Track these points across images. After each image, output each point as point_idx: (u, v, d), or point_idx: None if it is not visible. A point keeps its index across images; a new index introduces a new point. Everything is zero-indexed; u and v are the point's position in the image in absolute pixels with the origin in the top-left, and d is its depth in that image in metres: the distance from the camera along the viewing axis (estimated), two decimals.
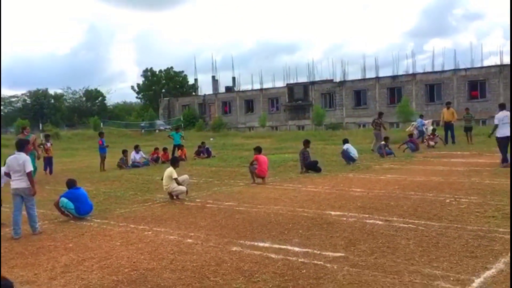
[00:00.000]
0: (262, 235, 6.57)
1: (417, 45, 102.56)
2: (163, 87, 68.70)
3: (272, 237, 6.44)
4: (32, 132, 18.30)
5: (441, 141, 20.50)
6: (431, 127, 21.54)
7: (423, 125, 21.75)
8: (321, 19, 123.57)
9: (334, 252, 5.61)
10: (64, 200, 8.29)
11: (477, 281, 4.49)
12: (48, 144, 16.79)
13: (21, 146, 7.56)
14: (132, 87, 73.56)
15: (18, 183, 7.25)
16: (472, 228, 6.37)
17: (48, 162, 16.42)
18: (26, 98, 78.78)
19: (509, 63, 36.62)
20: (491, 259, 5.09)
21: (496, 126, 12.80)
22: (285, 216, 7.72)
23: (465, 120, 21.16)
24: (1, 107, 65.23)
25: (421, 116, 22.82)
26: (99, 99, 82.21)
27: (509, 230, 6.15)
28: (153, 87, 69.07)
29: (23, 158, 7.26)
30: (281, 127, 47.68)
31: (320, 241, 6.13)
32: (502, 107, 13.25)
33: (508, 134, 12.56)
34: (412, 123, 24.66)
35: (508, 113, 12.78)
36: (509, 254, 5.20)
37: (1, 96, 66.32)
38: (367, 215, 7.48)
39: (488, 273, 4.66)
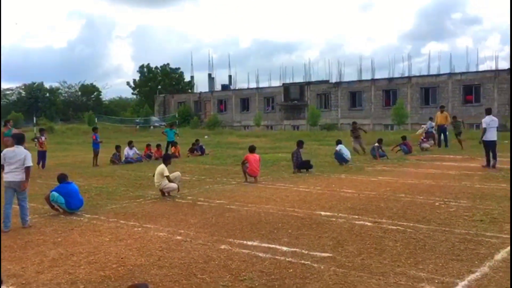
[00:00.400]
0: (251, 234, 6.60)
1: (414, 48, 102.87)
2: (159, 84, 68.49)
3: (261, 236, 6.47)
4: (25, 125, 18.20)
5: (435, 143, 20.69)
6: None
7: (432, 127, 22.05)
8: (319, 20, 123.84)
9: (322, 252, 5.65)
10: (55, 194, 8.28)
11: (461, 284, 4.55)
12: (43, 138, 16.72)
13: (20, 139, 7.56)
14: (128, 83, 73.33)
15: (13, 176, 7.23)
16: (460, 232, 6.43)
17: (42, 156, 16.38)
18: (21, 91, 78.41)
19: (504, 68, 36.87)
20: (476, 262, 5.14)
21: (485, 130, 13.09)
22: (275, 216, 7.75)
23: (454, 127, 21.41)
24: None
25: (431, 119, 23.09)
26: (95, 94, 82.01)
27: (496, 235, 6.23)
28: (149, 84, 68.83)
29: (24, 152, 7.29)
30: (276, 126, 47.70)
31: (309, 241, 6.17)
32: (488, 111, 13.70)
33: (494, 138, 13.05)
34: (422, 126, 25.04)
35: (495, 118, 13.39)
36: (494, 258, 5.27)
37: None
38: (356, 216, 7.53)
39: (472, 277, 4.72)
